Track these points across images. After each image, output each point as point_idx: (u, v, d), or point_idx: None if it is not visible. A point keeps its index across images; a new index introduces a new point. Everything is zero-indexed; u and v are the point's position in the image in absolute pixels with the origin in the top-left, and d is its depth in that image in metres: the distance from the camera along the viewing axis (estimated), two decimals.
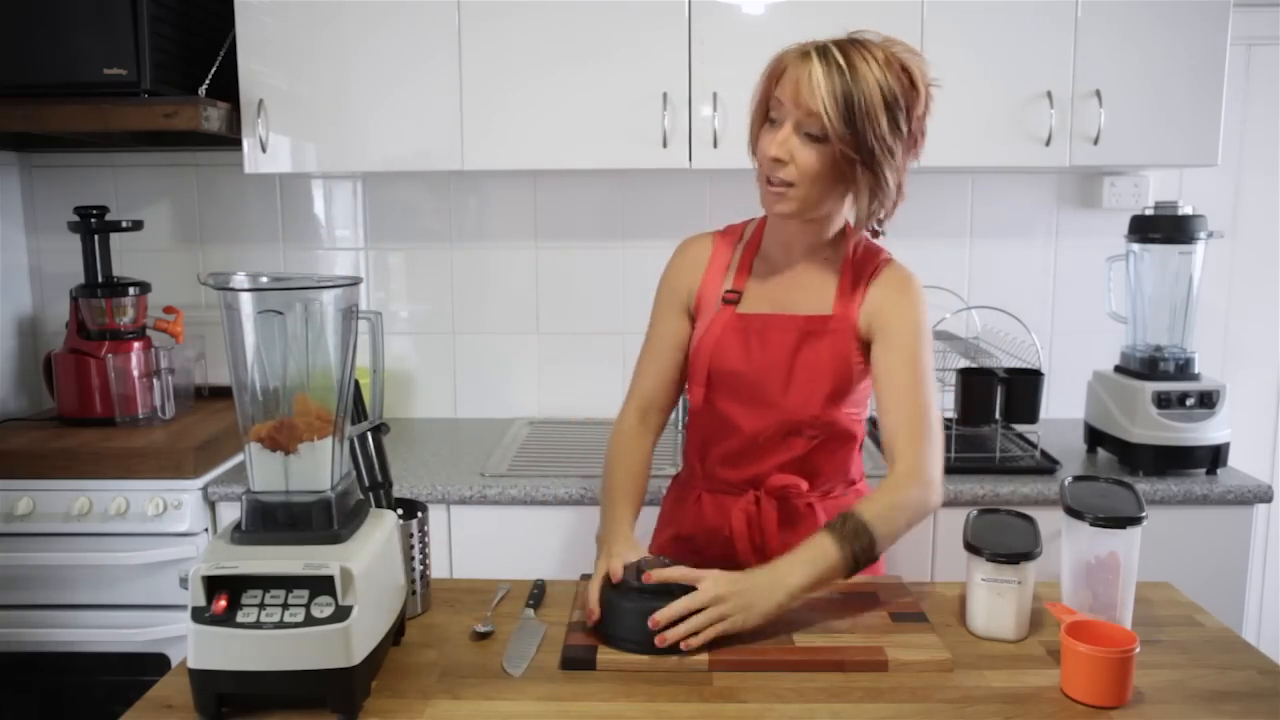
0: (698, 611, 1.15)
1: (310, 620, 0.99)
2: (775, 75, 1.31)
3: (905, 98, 1.27)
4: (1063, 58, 2.12)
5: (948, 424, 2.13)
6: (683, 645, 1.13)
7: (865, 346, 1.40)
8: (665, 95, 2.13)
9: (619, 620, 1.17)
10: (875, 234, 1.41)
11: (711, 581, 1.17)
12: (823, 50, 1.26)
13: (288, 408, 1.07)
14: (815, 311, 1.40)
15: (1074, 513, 1.19)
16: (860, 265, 1.41)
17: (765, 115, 1.33)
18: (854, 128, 1.24)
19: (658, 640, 1.13)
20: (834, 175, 1.30)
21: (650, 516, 1.61)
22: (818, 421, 1.40)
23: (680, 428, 2.46)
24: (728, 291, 1.44)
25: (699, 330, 1.46)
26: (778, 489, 1.43)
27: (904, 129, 1.29)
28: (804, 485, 1.43)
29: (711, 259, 1.48)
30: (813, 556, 1.21)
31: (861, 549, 1.22)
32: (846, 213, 1.40)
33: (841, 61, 1.24)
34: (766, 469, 1.44)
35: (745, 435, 1.43)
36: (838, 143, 1.26)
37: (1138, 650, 1.05)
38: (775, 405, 1.40)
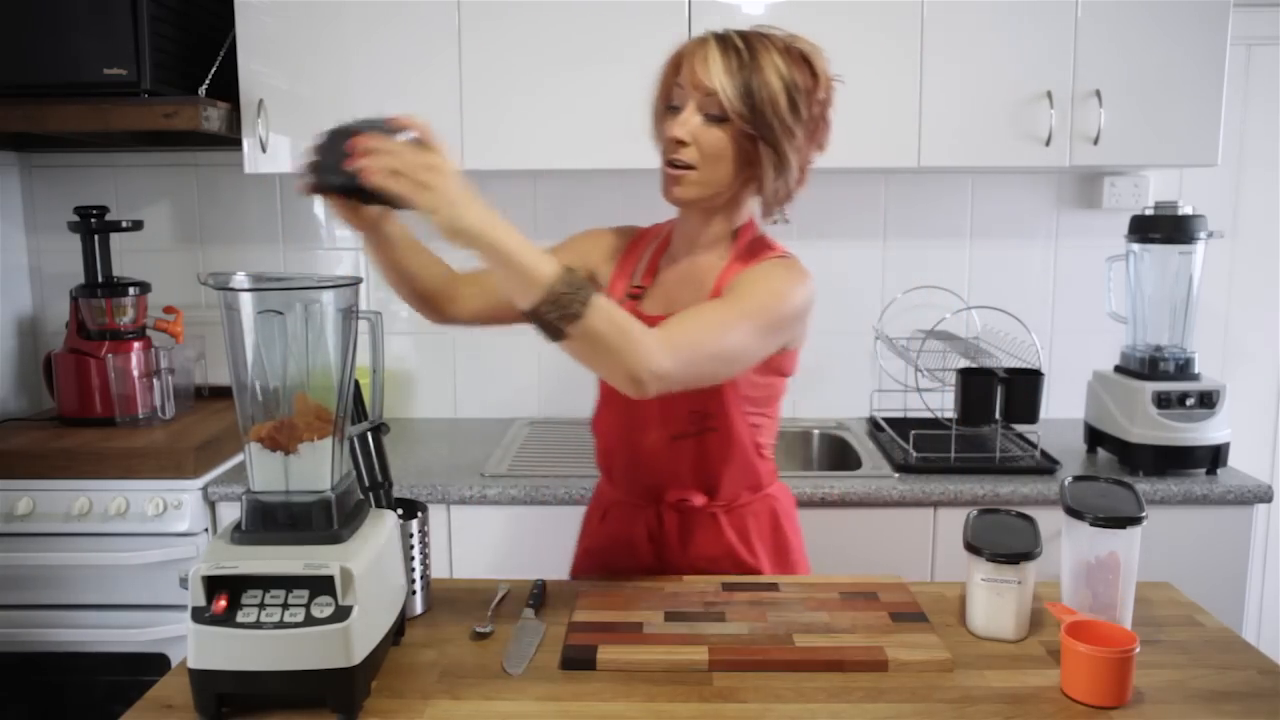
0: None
1: (310, 620, 0.99)
2: (675, 64, 1.31)
3: (804, 83, 1.28)
4: (1063, 58, 2.12)
5: (947, 424, 2.14)
6: (368, 178, 1.00)
7: None
8: None
9: (325, 150, 1.05)
10: (775, 222, 1.39)
11: (442, 157, 1.03)
12: (721, 36, 1.27)
13: (288, 408, 1.07)
14: (693, 302, 1.34)
15: (1074, 513, 1.19)
16: (746, 257, 1.36)
17: (666, 105, 1.33)
18: (752, 105, 1.25)
19: (346, 163, 1.01)
20: (736, 158, 1.29)
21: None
22: (695, 417, 1.36)
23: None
24: (633, 287, 1.43)
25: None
26: (676, 503, 1.41)
27: (803, 112, 1.28)
28: (700, 500, 1.41)
29: (624, 254, 1.47)
30: (530, 248, 1.05)
31: (567, 295, 1.04)
32: (749, 205, 1.38)
33: (740, 44, 1.26)
34: (664, 479, 1.41)
35: (638, 442, 1.39)
36: (738, 121, 1.25)
37: (1138, 650, 1.05)
38: (660, 408, 1.32)
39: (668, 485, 1.41)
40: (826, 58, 1.32)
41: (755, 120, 1.25)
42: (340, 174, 1.03)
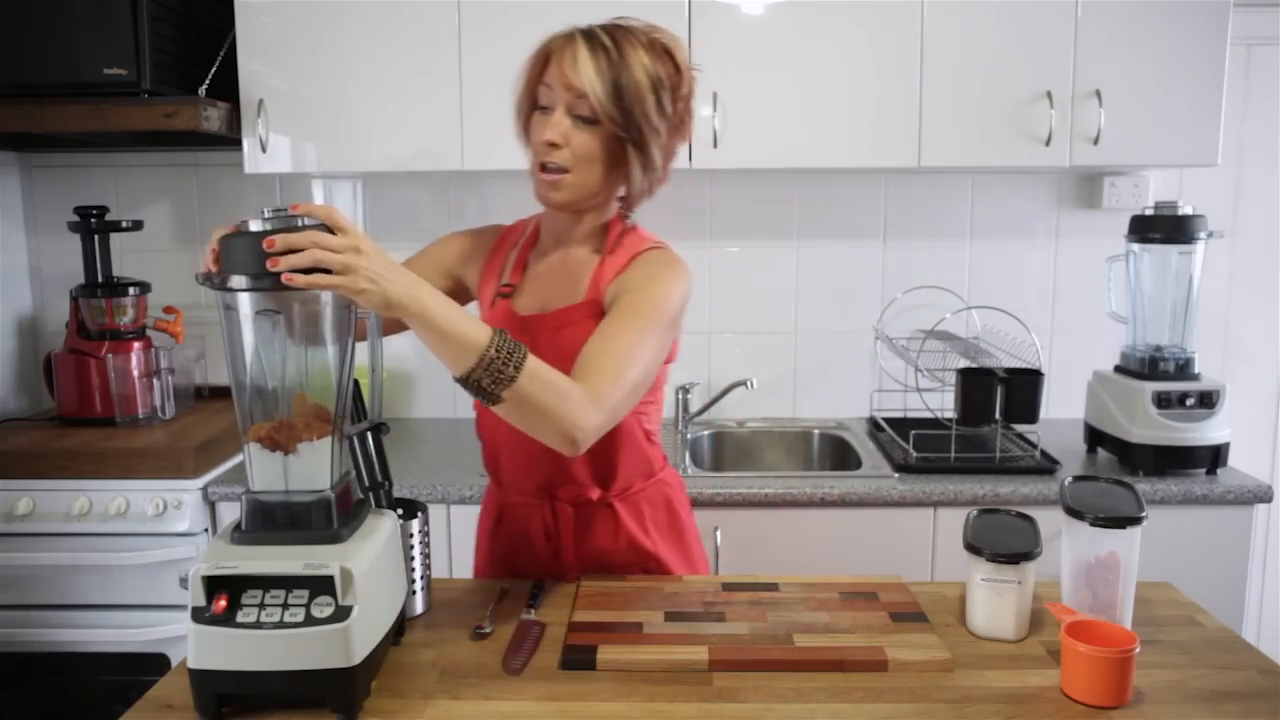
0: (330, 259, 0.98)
1: (310, 620, 0.99)
2: (541, 61, 1.29)
3: (670, 79, 1.28)
4: (1063, 58, 2.12)
5: (947, 424, 2.14)
6: (286, 279, 0.95)
7: None
8: None
9: (234, 250, 0.99)
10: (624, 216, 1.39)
11: (358, 235, 1.00)
12: (588, 33, 1.26)
13: (287, 408, 1.07)
14: (569, 303, 1.35)
15: (1074, 513, 1.19)
16: (623, 251, 1.36)
17: (533, 104, 1.31)
18: (621, 105, 1.25)
19: (269, 263, 0.96)
20: (607, 159, 1.29)
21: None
22: None
23: (679, 428, 2.47)
24: (503, 285, 1.40)
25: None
26: (570, 498, 1.40)
27: (668, 109, 1.29)
28: (594, 494, 1.40)
29: (491, 253, 1.45)
30: (464, 315, 1.06)
31: (499, 360, 1.05)
32: (615, 201, 1.38)
33: (607, 43, 1.25)
34: (556, 475, 1.39)
35: (528, 442, 1.24)
36: (608, 123, 1.25)
37: (1138, 650, 1.05)
38: None
39: (561, 482, 1.40)
40: (685, 48, 1.33)
41: (625, 122, 1.26)
42: (261, 275, 0.97)
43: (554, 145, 1.27)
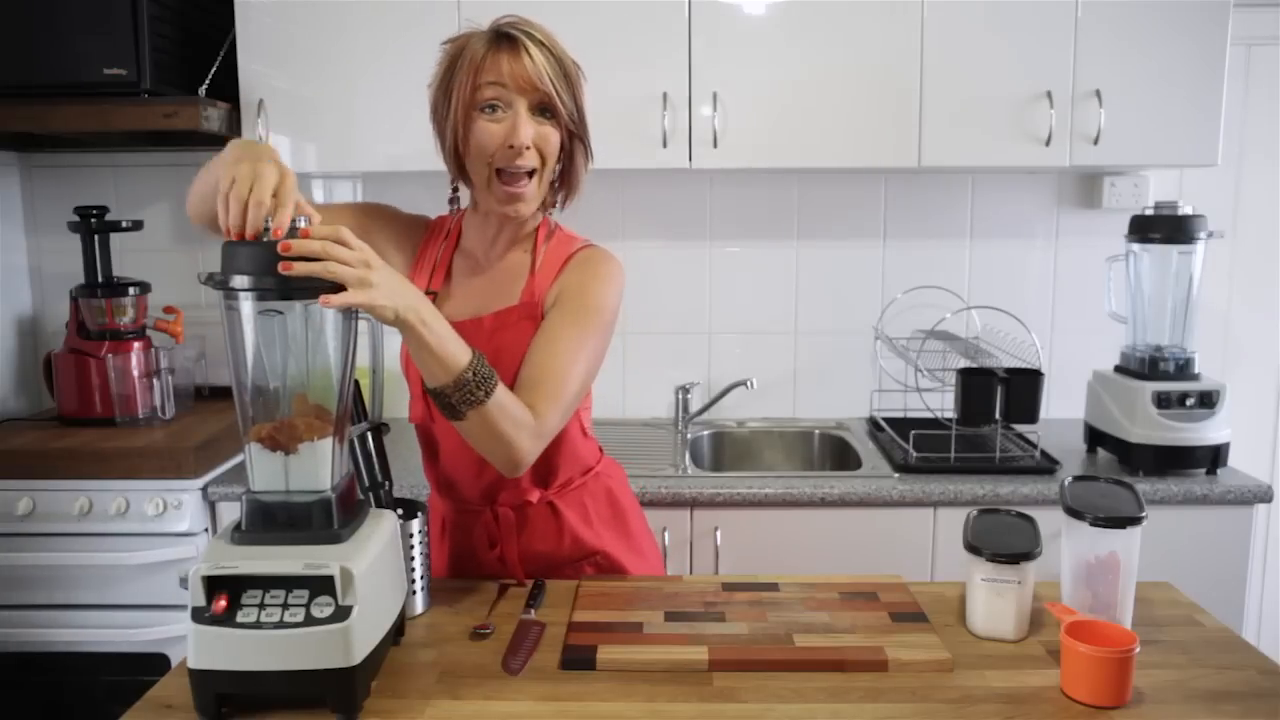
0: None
1: (310, 620, 0.99)
2: (475, 65, 1.23)
3: (578, 73, 1.29)
4: (1063, 58, 2.12)
5: (947, 424, 2.14)
6: (323, 301, 0.98)
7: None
8: (665, 95, 2.13)
9: (237, 255, 0.99)
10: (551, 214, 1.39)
11: (366, 249, 1.03)
12: (522, 30, 1.24)
13: (287, 408, 1.07)
14: (503, 305, 1.33)
15: (1074, 513, 1.19)
16: (554, 252, 1.35)
17: (470, 108, 1.24)
18: (575, 98, 1.26)
19: (281, 266, 0.96)
20: (561, 156, 1.29)
21: None
22: None
23: (679, 428, 2.47)
24: (426, 292, 1.29)
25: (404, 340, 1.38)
26: (509, 501, 1.39)
27: (583, 102, 1.30)
28: (534, 495, 1.39)
29: (421, 249, 1.41)
30: (452, 334, 1.11)
31: (473, 383, 1.11)
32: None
33: (540, 37, 1.24)
34: (496, 480, 1.37)
35: (463, 448, 1.29)
36: (566, 119, 1.26)
37: (1138, 650, 1.05)
38: None
39: (501, 487, 1.38)
40: None
41: (576, 114, 1.27)
42: (278, 283, 0.98)
43: (524, 147, 1.23)
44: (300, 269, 0.97)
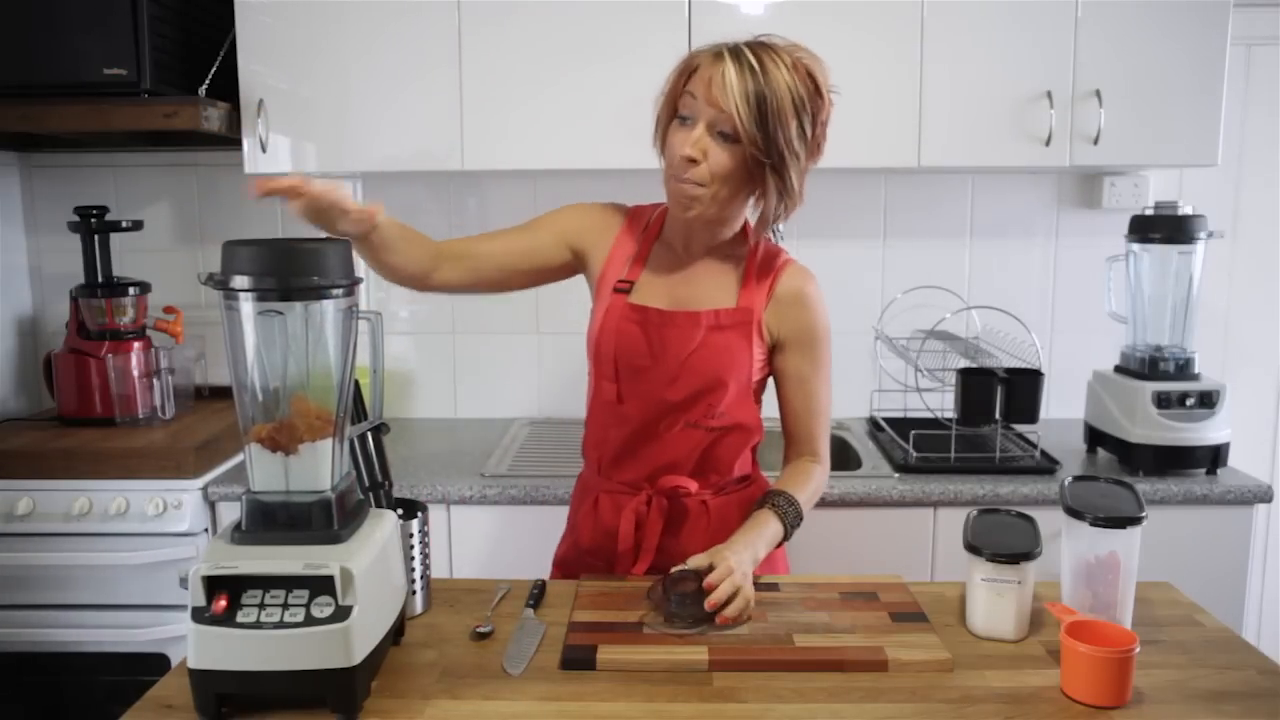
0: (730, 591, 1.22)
1: (310, 620, 0.99)
2: (687, 73, 1.31)
3: (811, 102, 1.29)
4: (1063, 58, 2.12)
5: (947, 424, 2.15)
6: (732, 617, 1.20)
7: (768, 347, 1.42)
8: None
9: (241, 254, 1.03)
10: (773, 235, 1.46)
11: (723, 559, 1.24)
12: (735, 51, 1.27)
13: (287, 408, 1.07)
14: (718, 305, 1.40)
15: (1074, 513, 1.19)
16: (764, 264, 1.42)
17: (674, 113, 1.32)
18: (765, 129, 1.26)
19: (720, 619, 1.20)
20: (742, 177, 1.30)
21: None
22: (717, 415, 1.39)
23: None
24: (620, 280, 1.42)
25: (596, 317, 1.44)
26: (668, 489, 1.42)
27: (809, 133, 1.30)
28: (693, 487, 1.42)
29: (618, 237, 1.46)
30: (764, 530, 1.34)
31: (792, 525, 1.37)
32: (747, 214, 1.41)
33: (754, 63, 1.25)
34: (662, 465, 1.42)
35: (647, 430, 1.41)
36: (749, 145, 1.26)
37: (1138, 650, 1.05)
38: (677, 400, 1.39)
39: (666, 471, 1.42)
40: (828, 69, 1.32)
41: (766, 145, 1.26)
42: (278, 282, 1.04)
43: (692, 161, 1.28)
44: (730, 611, 1.20)
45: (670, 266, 1.43)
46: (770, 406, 1.48)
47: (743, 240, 1.44)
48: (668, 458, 1.42)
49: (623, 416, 1.43)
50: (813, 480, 1.44)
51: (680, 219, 1.40)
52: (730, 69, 1.25)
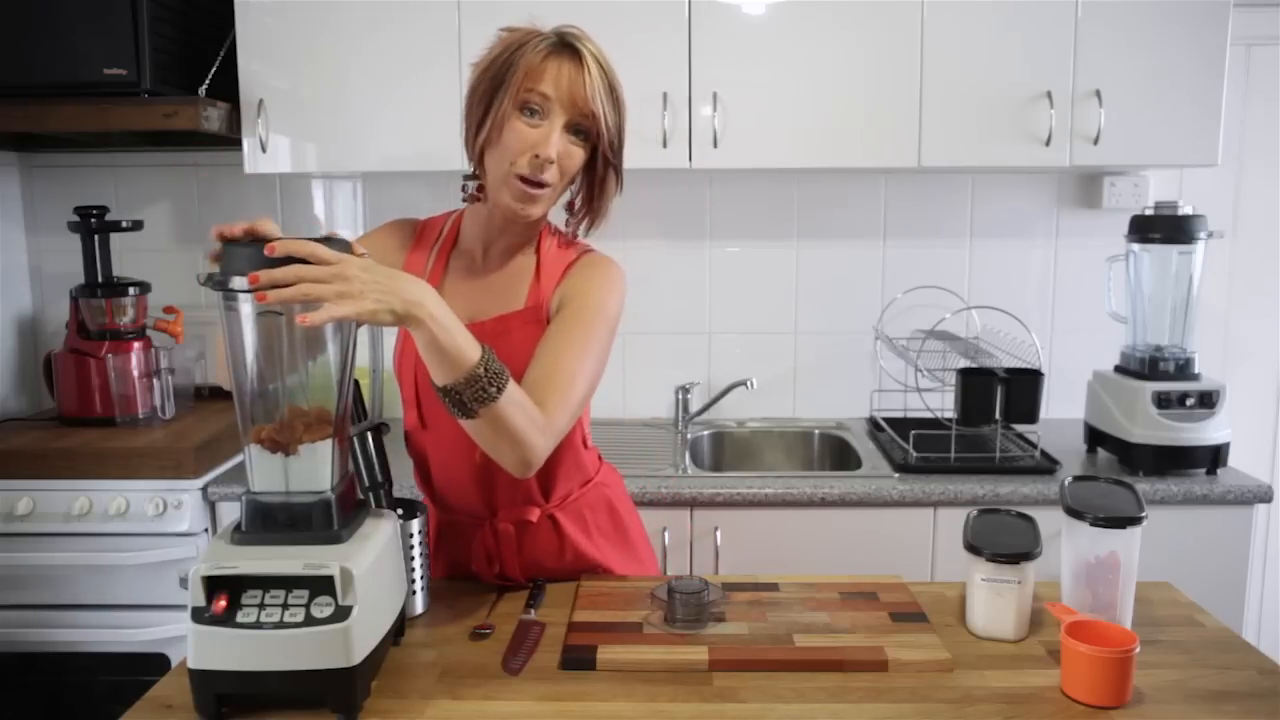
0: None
1: (310, 620, 0.99)
2: (531, 66, 1.21)
3: (621, 92, 1.28)
4: (1063, 58, 2.12)
5: (947, 424, 2.14)
6: (300, 319, 0.95)
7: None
8: (665, 95, 2.13)
9: (241, 255, 0.99)
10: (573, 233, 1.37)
11: (341, 258, 0.98)
12: (579, 45, 1.23)
13: (287, 409, 1.07)
14: (506, 310, 1.31)
15: (1074, 513, 1.19)
16: (557, 257, 1.34)
17: (519, 105, 1.22)
18: (618, 131, 1.25)
19: (256, 298, 0.96)
20: (578, 174, 1.29)
21: None
22: None
23: (679, 428, 2.47)
24: None
25: (397, 342, 1.38)
26: (509, 517, 1.36)
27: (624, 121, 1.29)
28: (534, 514, 1.36)
29: (409, 257, 1.38)
30: (461, 329, 1.07)
31: (485, 378, 1.07)
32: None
33: (600, 58, 1.23)
34: (492, 495, 1.36)
35: (462, 458, 1.32)
36: (605, 142, 1.25)
37: (1138, 650, 1.05)
38: None
39: (499, 503, 1.37)
40: None
41: (617, 147, 1.26)
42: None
43: (548, 161, 1.22)
44: (274, 296, 0.94)
45: (469, 274, 1.35)
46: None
47: (537, 237, 1.36)
48: (487, 488, 1.35)
49: (433, 443, 1.36)
50: (534, 407, 1.14)
51: (481, 223, 1.33)
52: (592, 67, 1.22)
